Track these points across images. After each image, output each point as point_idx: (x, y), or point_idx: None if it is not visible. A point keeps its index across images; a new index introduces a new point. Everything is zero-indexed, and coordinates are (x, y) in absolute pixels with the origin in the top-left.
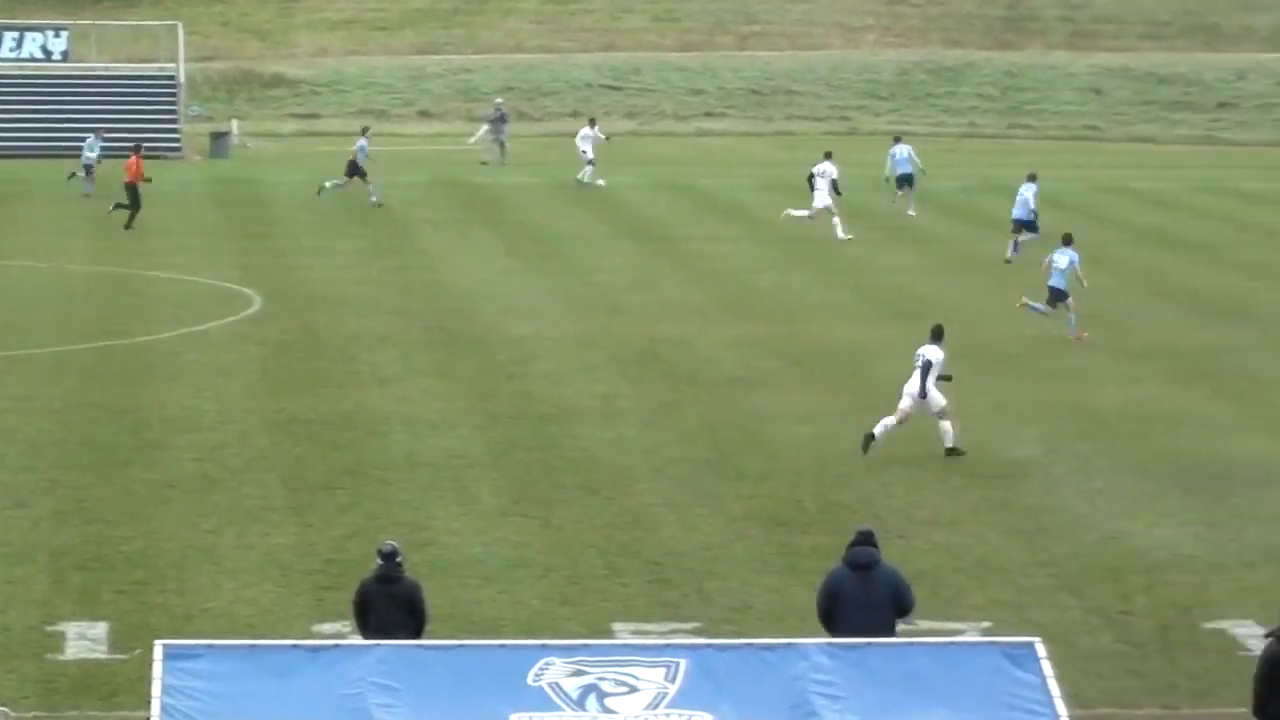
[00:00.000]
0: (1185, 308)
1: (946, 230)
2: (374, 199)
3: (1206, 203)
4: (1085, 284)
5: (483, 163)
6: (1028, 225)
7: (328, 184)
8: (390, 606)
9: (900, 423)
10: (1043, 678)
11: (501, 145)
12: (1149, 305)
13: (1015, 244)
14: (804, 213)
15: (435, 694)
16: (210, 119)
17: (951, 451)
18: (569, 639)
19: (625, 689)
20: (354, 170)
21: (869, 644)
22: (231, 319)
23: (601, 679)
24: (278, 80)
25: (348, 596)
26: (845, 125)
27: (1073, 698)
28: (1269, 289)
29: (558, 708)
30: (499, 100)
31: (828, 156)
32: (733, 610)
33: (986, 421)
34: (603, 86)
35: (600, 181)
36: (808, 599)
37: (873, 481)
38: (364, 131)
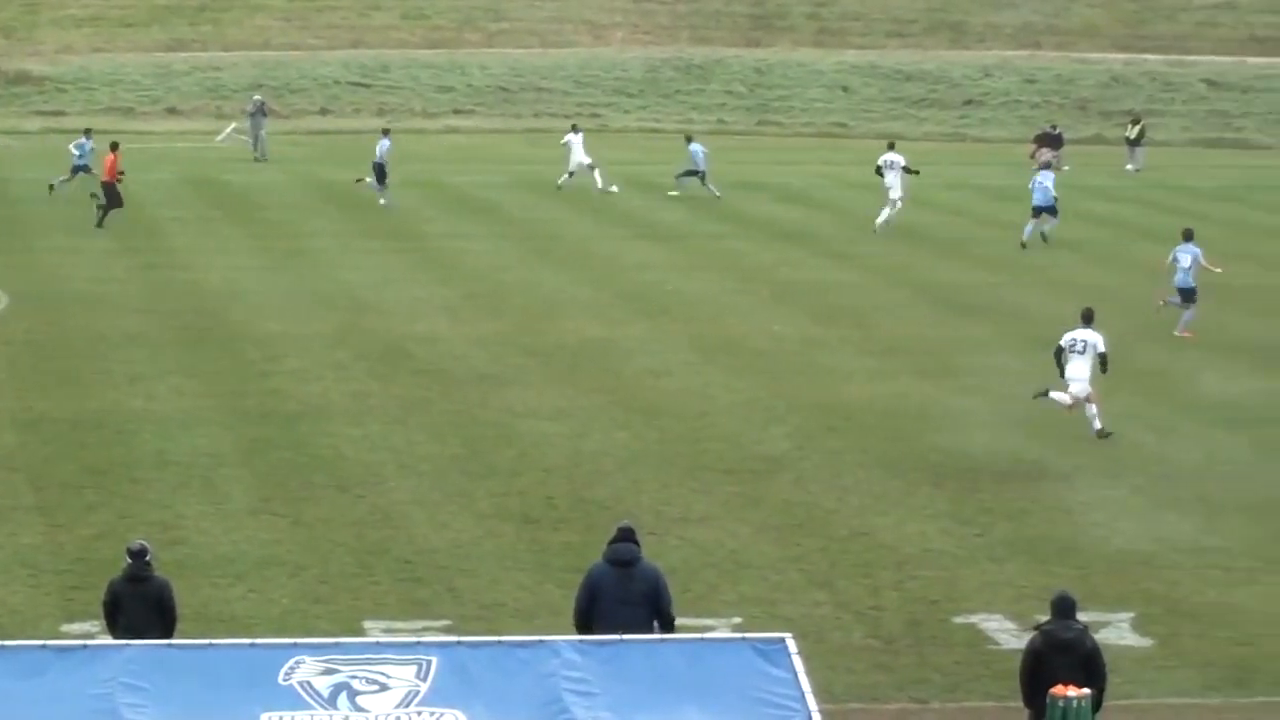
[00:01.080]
0: (932, 303)
1: (694, 227)
2: (382, 201)
3: (953, 199)
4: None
5: (255, 160)
6: (1049, 210)
7: (368, 179)
8: (140, 606)
9: (1071, 408)
10: (794, 673)
11: (260, 140)
12: (896, 301)
13: (1032, 229)
14: (888, 209)
15: (185, 694)
16: None
17: (1101, 433)
18: (320, 637)
19: (376, 687)
20: (381, 173)
21: (621, 641)
22: None
23: (353, 677)
24: (23, 77)
25: (97, 596)
26: (595, 122)
27: (824, 692)
28: (1013, 284)
29: (309, 706)
30: (257, 96)
31: (891, 147)
32: (484, 608)
33: (736, 417)
34: (351, 84)
35: (602, 185)
36: (559, 596)
37: (623, 479)
38: (385, 133)
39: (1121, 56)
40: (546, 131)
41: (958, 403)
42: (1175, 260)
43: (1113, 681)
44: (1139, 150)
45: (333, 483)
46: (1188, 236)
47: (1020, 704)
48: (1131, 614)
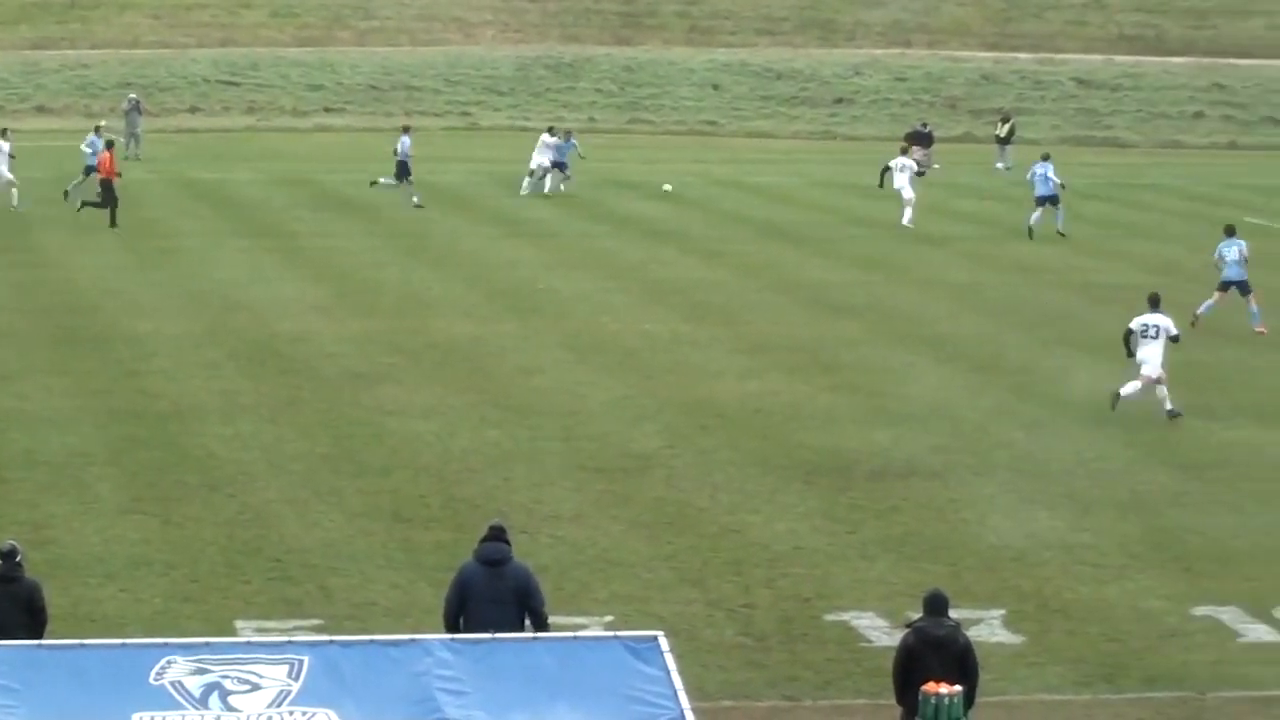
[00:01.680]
0: (804, 301)
1: (566, 225)
2: (415, 200)
3: (824, 197)
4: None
5: (124, 157)
6: (1052, 200)
7: (381, 180)
8: (10, 607)
9: (1143, 391)
10: (666, 671)
11: (135, 138)
12: (768, 299)
13: (1039, 217)
14: (908, 210)
15: (56, 695)
16: None
17: (1172, 414)
18: (191, 637)
19: (248, 687)
20: (403, 172)
21: (493, 639)
22: None
23: (224, 677)
24: None
25: None
26: (465, 120)
27: (696, 690)
28: (884, 282)
29: (180, 706)
30: (132, 94)
31: (904, 152)
32: (356, 607)
33: (608, 416)
34: (220, 82)
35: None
36: (431, 595)
37: (494, 477)
38: (405, 130)
39: (991, 55)
40: (418, 129)
41: (829, 400)
42: (1221, 257)
43: (984, 678)
44: (1009, 148)
45: (203, 482)
46: (1230, 232)
47: (892, 701)
48: (1003, 611)
